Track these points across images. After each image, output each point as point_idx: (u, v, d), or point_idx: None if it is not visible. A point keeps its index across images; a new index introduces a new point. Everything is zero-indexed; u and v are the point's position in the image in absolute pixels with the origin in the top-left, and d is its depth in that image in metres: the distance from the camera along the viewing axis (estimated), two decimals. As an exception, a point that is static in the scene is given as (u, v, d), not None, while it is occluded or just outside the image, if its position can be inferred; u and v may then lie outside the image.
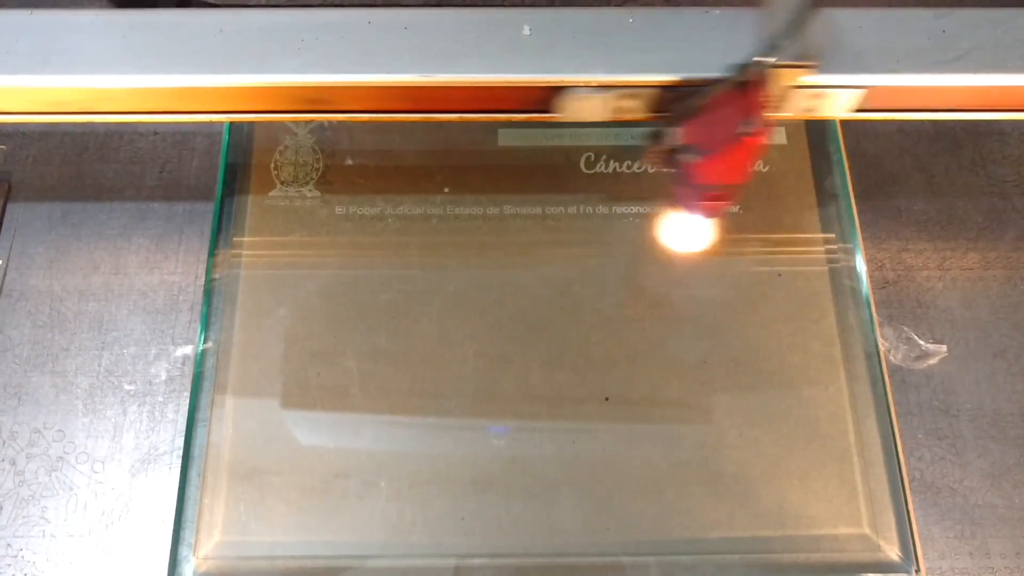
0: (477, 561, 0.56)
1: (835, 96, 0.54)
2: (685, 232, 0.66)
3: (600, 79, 0.52)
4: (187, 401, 0.60)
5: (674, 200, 0.62)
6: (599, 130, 0.69)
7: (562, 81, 0.52)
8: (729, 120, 0.50)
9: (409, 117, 0.56)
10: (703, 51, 0.52)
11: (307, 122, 0.68)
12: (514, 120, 0.56)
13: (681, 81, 0.52)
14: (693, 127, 0.52)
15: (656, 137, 0.54)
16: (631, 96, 0.53)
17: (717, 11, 0.54)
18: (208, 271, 0.64)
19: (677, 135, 0.53)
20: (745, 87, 0.51)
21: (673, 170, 0.56)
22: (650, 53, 0.52)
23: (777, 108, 0.54)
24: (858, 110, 0.55)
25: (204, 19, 0.54)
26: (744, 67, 0.50)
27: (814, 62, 0.51)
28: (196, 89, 0.53)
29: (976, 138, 0.73)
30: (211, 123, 0.55)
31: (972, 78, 0.52)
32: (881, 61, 0.53)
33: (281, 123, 0.67)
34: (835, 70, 0.52)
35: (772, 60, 0.50)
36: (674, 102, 0.52)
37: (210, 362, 0.61)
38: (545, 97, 0.54)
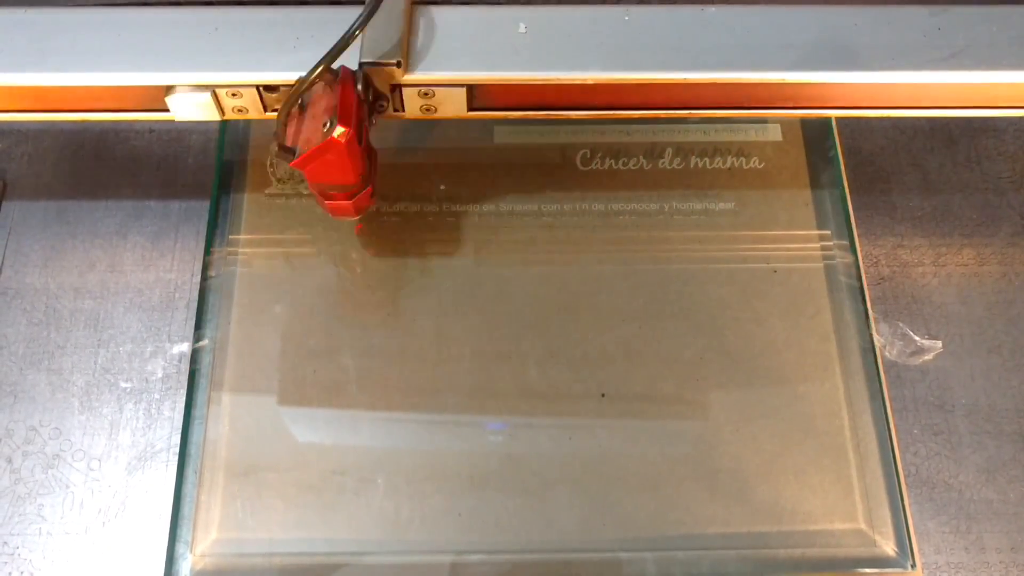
0: (474, 557, 0.56)
1: (444, 95, 0.54)
2: (680, 229, 0.66)
3: (198, 80, 0.53)
4: (183, 398, 0.60)
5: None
6: (595, 127, 0.69)
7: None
8: (318, 120, 0.50)
9: (403, 115, 0.56)
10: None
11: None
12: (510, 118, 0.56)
13: (280, 82, 0.53)
14: (296, 127, 0.52)
15: (275, 137, 0.53)
16: (235, 95, 0.54)
17: (713, 8, 0.54)
18: (204, 268, 0.64)
19: (281, 136, 0.52)
20: (334, 86, 0.50)
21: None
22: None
23: (392, 108, 0.55)
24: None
25: (199, 17, 0.54)
26: (324, 65, 0.49)
27: (397, 59, 0.51)
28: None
29: (971, 135, 0.73)
30: (207, 121, 0.55)
31: (967, 75, 0.53)
32: (875, 58, 0.53)
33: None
34: (434, 68, 0.53)
35: (359, 59, 0.51)
36: (284, 102, 0.51)
37: (206, 359, 0.61)
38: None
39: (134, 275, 0.67)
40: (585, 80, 0.53)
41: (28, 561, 0.58)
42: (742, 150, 0.68)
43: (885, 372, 0.62)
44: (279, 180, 0.67)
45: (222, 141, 0.68)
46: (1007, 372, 0.65)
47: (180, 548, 0.56)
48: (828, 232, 0.66)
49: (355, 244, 0.65)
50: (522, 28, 0.54)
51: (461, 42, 0.53)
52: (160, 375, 0.64)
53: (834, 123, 0.69)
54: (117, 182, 0.70)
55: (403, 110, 0.56)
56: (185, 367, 0.63)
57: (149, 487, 0.61)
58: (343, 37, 0.49)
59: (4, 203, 0.69)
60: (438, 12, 0.54)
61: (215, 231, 0.65)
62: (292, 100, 0.50)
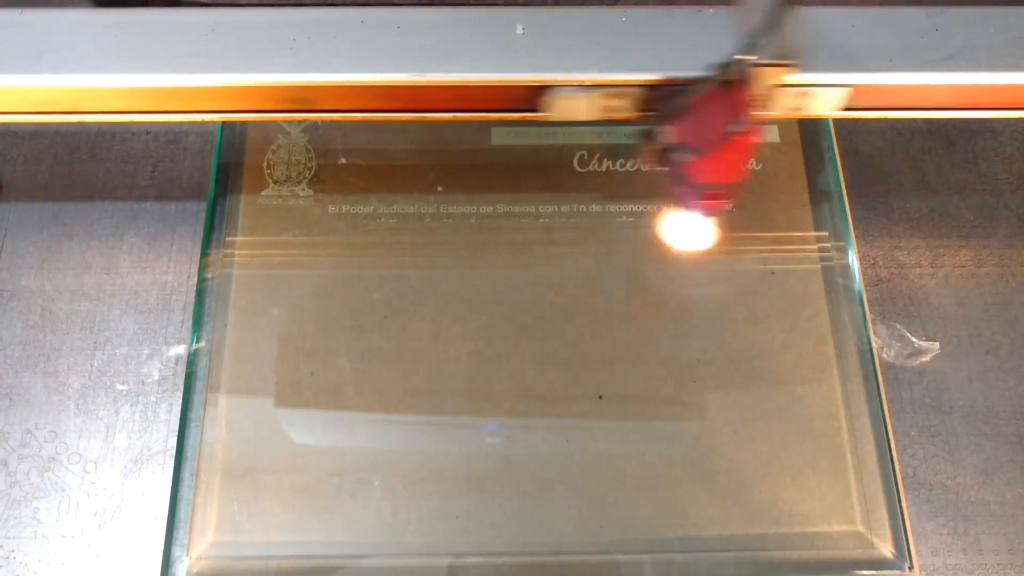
0: (471, 560, 0.56)
1: (821, 94, 0.54)
2: (678, 230, 0.66)
3: (589, 78, 0.52)
4: (180, 401, 0.60)
5: (672, 199, 0.62)
6: (592, 128, 0.69)
7: (552, 80, 0.52)
8: (717, 119, 0.50)
9: (402, 116, 0.56)
10: (696, 50, 0.52)
11: (300, 121, 0.68)
12: (505, 119, 0.56)
13: (665, 80, 0.52)
14: (682, 126, 0.52)
15: (648, 136, 0.54)
16: (617, 95, 0.53)
17: (711, 10, 0.54)
18: (201, 270, 0.63)
19: (668, 134, 0.53)
20: (730, 86, 0.51)
21: (668, 169, 0.57)
22: (641, 52, 0.52)
23: (764, 107, 0.54)
24: (847, 108, 0.55)
25: (196, 18, 0.54)
26: (725, 66, 0.50)
27: (795, 60, 0.51)
28: (188, 88, 0.53)
29: (968, 136, 0.73)
30: (203, 123, 0.55)
31: (964, 76, 0.53)
32: (873, 59, 0.53)
33: (274, 122, 0.67)
34: (819, 68, 0.52)
35: (753, 58, 0.50)
36: (661, 101, 0.52)
37: (203, 362, 0.61)
38: (534, 96, 0.54)
39: (130, 277, 0.67)
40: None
41: (24, 564, 0.58)
42: (739, 152, 0.68)
43: (883, 374, 0.62)
44: (276, 182, 0.67)
45: (219, 143, 0.67)
46: (1004, 373, 0.65)
47: (176, 551, 0.56)
48: (826, 234, 0.65)
49: (352, 246, 0.65)
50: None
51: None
52: (156, 377, 0.64)
53: (831, 124, 0.69)
54: (113, 184, 0.70)
55: (773, 109, 0.55)
56: (182, 369, 0.63)
57: (145, 490, 0.60)
58: (748, 41, 0.49)
59: (0, 205, 0.69)
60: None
61: (212, 233, 0.65)
62: (687, 98, 0.51)
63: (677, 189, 0.57)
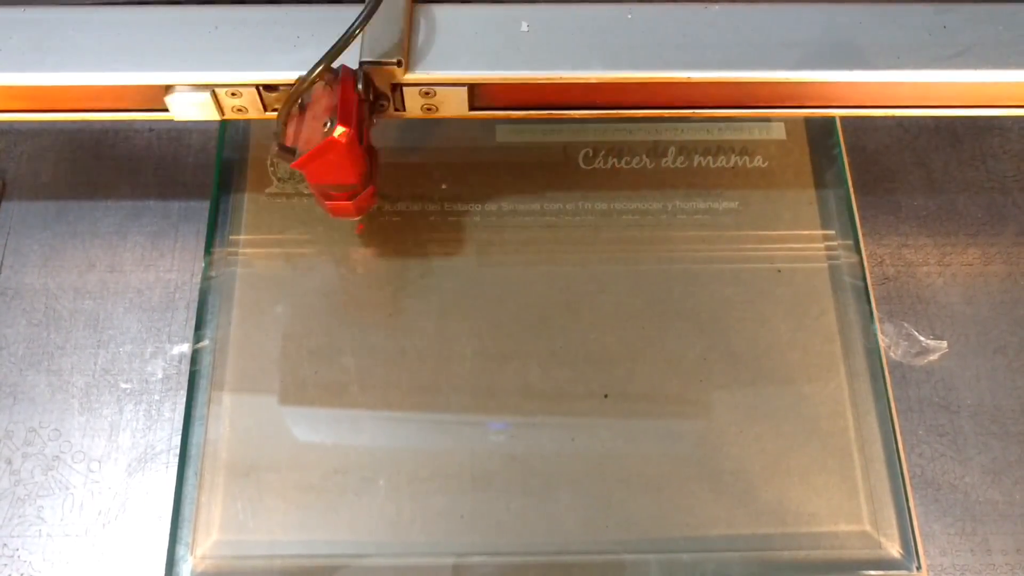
0: (476, 559, 0.56)
1: (447, 94, 0.53)
2: (684, 228, 0.65)
3: (198, 80, 0.53)
4: (184, 399, 0.60)
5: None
6: (598, 126, 0.69)
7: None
8: (319, 120, 0.50)
9: (406, 114, 0.56)
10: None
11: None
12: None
13: (280, 81, 0.52)
14: (296, 128, 0.52)
15: (275, 137, 0.53)
16: (234, 95, 0.53)
17: (716, 7, 0.54)
18: (204, 268, 0.63)
19: (281, 136, 0.52)
20: (334, 85, 0.50)
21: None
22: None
23: (393, 107, 0.54)
24: (475, 108, 0.55)
25: (200, 15, 0.54)
26: (324, 64, 0.49)
27: (398, 58, 0.51)
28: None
29: (976, 133, 0.72)
30: (207, 120, 0.55)
31: (973, 74, 0.52)
32: (880, 56, 0.53)
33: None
34: (441, 67, 0.52)
35: (359, 58, 0.50)
36: (282, 102, 0.51)
37: (207, 360, 0.61)
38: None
39: (134, 275, 0.66)
40: (587, 79, 0.53)
41: (28, 563, 0.58)
42: (746, 149, 0.68)
43: (890, 372, 0.61)
44: (280, 179, 0.66)
45: (222, 140, 0.67)
46: (1013, 372, 0.64)
47: (180, 550, 0.56)
48: (832, 232, 0.65)
49: (356, 244, 0.65)
50: (524, 27, 0.53)
51: (462, 41, 0.53)
52: (160, 376, 0.63)
53: (838, 122, 0.69)
54: (117, 182, 0.70)
55: (404, 109, 0.55)
56: (185, 368, 0.63)
57: (149, 489, 0.60)
58: (343, 36, 0.49)
59: (3, 203, 0.69)
60: (439, 10, 0.54)
61: (215, 231, 0.65)
62: (292, 100, 0.50)
63: (312, 190, 0.57)
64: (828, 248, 0.65)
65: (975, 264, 0.68)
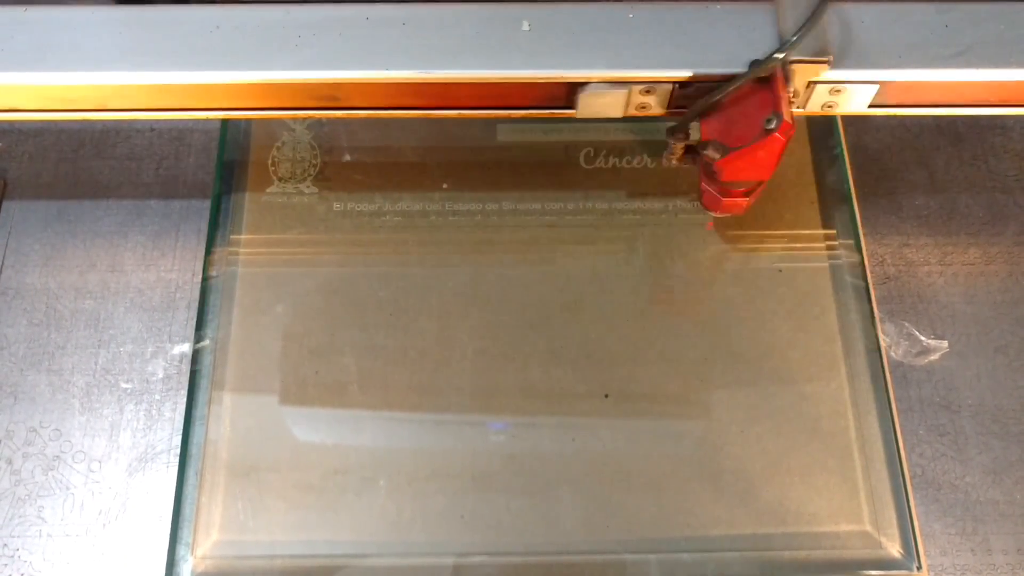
0: (477, 559, 0.56)
1: (853, 92, 0.53)
2: (685, 228, 0.65)
3: (613, 75, 0.52)
4: (184, 399, 0.60)
5: (697, 196, 0.61)
6: (599, 125, 0.68)
7: (571, 77, 0.52)
8: (751, 116, 0.50)
9: (409, 114, 0.56)
10: (708, 47, 0.52)
11: (305, 118, 0.67)
12: (523, 116, 0.56)
13: (695, 77, 0.52)
14: (714, 123, 0.52)
15: (676, 133, 0.53)
16: (647, 92, 0.53)
17: (718, 6, 0.54)
18: (205, 268, 0.63)
19: (697, 131, 0.52)
20: (764, 83, 0.50)
21: (694, 167, 0.56)
22: (656, 49, 0.52)
23: (797, 104, 0.54)
24: (871, 106, 0.55)
25: (201, 15, 0.54)
26: (761, 63, 0.50)
27: (828, 57, 0.51)
28: (193, 86, 0.53)
29: (978, 132, 0.72)
30: (208, 120, 0.55)
31: (975, 73, 0.52)
32: (882, 56, 0.53)
33: (278, 119, 0.67)
34: (851, 65, 0.52)
35: (789, 55, 0.50)
36: (692, 98, 0.51)
37: (207, 360, 0.61)
38: (555, 93, 0.54)
39: (135, 275, 0.66)
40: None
41: (28, 563, 0.58)
42: (747, 148, 0.68)
43: (891, 372, 0.61)
44: (280, 179, 0.66)
45: (223, 140, 0.67)
46: (1013, 372, 0.64)
47: (181, 550, 0.56)
48: (833, 231, 0.65)
49: (357, 244, 0.65)
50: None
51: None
52: (161, 376, 0.63)
53: (839, 121, 0.69)
54: (118, 181, 0.70)
55: (804, 108, 0.55)
56: (186, 367, 0.63)
57: (150, 488, 0.60)
58: (786, 40, 0.50)
59: (4, 202, 0.69)
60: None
61: (216, 231, 0.65)
62: (720, 95, 0.51)
63: (705, 187, 0.57)
64: (829, 247, 0.65)
65: (976, 263, 0.68)
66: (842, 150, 0.68)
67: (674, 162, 0.58)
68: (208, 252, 0.64)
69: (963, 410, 0.63)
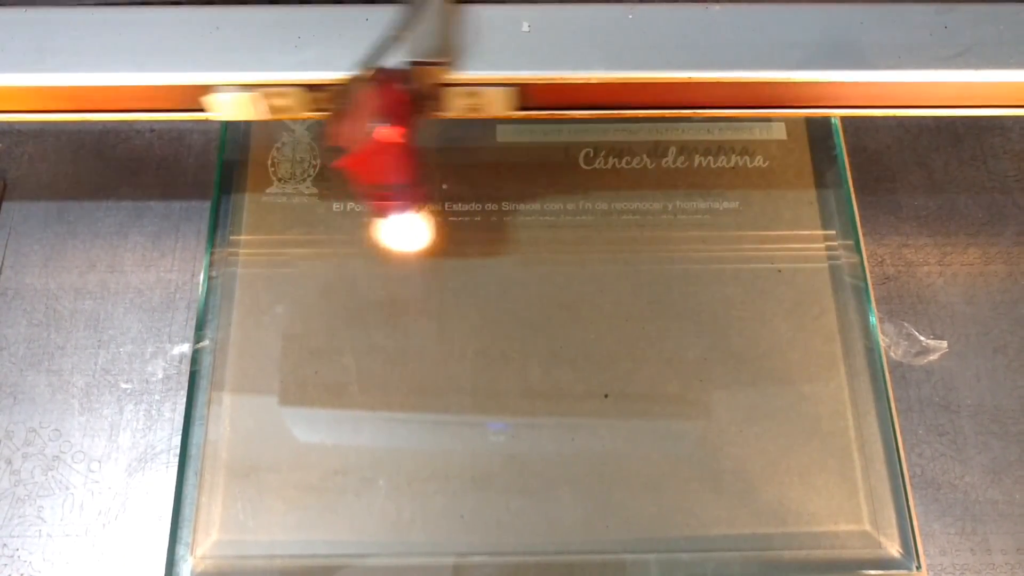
0: (476, 559, 0.56)
1: (491, 94, 0.53)
2: (683, 229, 0.65)
3: (241, 80, 0.52)
4: (184, 399, 0.60)
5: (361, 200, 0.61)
6: (599, 126, 0.68)
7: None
8: (364, 119, 0.50)
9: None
10: (706, 46, 0.52)
11: (304, 119, 0.67)
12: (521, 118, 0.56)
13: (327, 81, 0.52)
14: (336, 127, 0.52)
15: (321, 137, 0.53)
16: (280, 95, 0.53)
17: (717, 7, 0.54)
18: (205, 269, 0.63)
19: (329, 136, 0.52)
20: (381, 85, 0.50)
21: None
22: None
23: (438, 108, 0.54)
24: (522, 108, 0.55)
25: (200, 16, 0.54)
26: (368, 65, 0.49)
27: (447, 59, 0.50)
28: (193, 86, 0.53)
29: (977, 133, 0.72)
30: (208, 120, 0.55)
31: (974, 74, 0.52)
32: (881, 57, 0.53)
33: (278, 120, 0.67)
34: (485, 67, 0.52)
35: (405, 57, 0.50)
36: (329, 101, 0.51)
37: (207, 360, 0.61)
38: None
39: (135, 275, 0.66)
40: (588, 79, 0.53)
41: (28, 563, 0.58)
42: (746, 149, 0.68)
43: (890, 372, 0.61)
44: (280, 180, 0.66)
45: (223, 141, 0.67)
46: (1013, 372, 0.64)
47: (180, 550, 0.56)
48: (833, 231, 0.65)
49: (356, 244, 0.65)
50: (525, 27, 0.53)
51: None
52: (161, 376, 0.63)
53: (838, 122, 0.69)
54: (118, 182, 0.70)
55: (446, 110, 0.55)
56: (186, 368, 0.63)
57: (149, 489, 0.60)
58: (389, 35, 0.49)
59: (4, 203, 0.69)
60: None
61: (216, 231, 0.65)
62: (341, 98, 0.50)
63: (354, 189, 0.57)
64: (828, 248, 0.65)
65: (975, 264, 0.68)
66: (841, 150, 0.68)
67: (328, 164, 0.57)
68: (208, 253, 0.64)
69: (962, 410, 0.63)
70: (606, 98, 0.55)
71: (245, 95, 0.52)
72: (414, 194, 0.57)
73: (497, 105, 0.55)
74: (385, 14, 0.51)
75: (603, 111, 0.56)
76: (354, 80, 0.49)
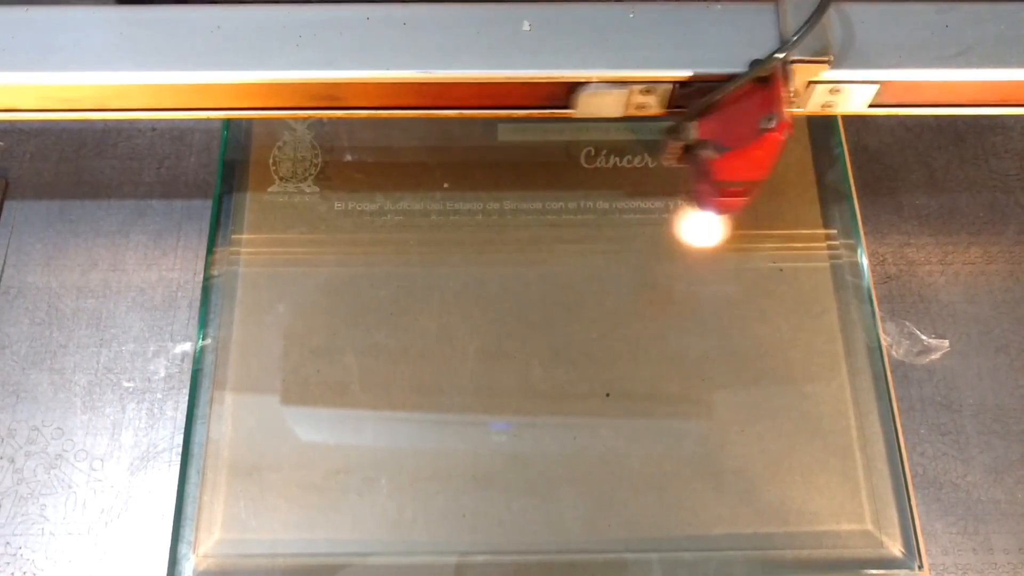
0: (479, 558, 0.56)
1: (852, 91, 0.53)
2: (686, 227, 0.65)
3: (613, 75, 0.52)
4: (186, 398, 0.60)
5: (692, 196, 0.61)
6: (599, 125, 0.68)
7: (572, 77, 0.52)
8: (749, 116, 0.50)
9: (410, 113, 0.56)
10: (709, 46, 0.52)
11: (306, 118, 0.67)
12: (523, 116, 0.56)
13: (695, 76, 0.52)
14: (712, 123, 0.52)
15: (675, 133, 0.53)
16: (647, 92, 0.53)
17: (718, 6, 0.54)
18: (207, 267, 0.63)
19: (695, 131, 0.52)
20: (764, 82, 0.50)
21: (691, 166, 0.56)
22: (657, 49, 0.52)
23: (796, 104, 0.54)
24: (871, 105, 0.55)
25: (201, 15, 0.54)
26: (762, 62, 0.50)
27: (828, 57, 0.51)
28: (194, 85, 0.53)
29: (978, 132, 0.72)
30: (209, 119, 0.55)
31: (975, 73, 0.52)
32: (883, 56, 0.53)
33: (279, 119, 0.67)
34: (852, 65, 0.52)
35: (790, 55, 0.50)
36: (691, 98, 0.51)
37: (209, 359, 0.61)
38: (555, 93, 0.54)
39: (136, 274, 0.67)
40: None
41: (31, 562, 0.58)
42: (748, 148, 0.68)
43: (892, 371, 0.61)
44: (282, 179, 0.66)
45: (225, 140, 0.67)
46: (1015, 371, 0.64)
47: (183, 549, 0.56)
48: (834, 230, 0.65)
49: (358, 243, 0.65)
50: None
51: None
52: (163, 375, 0.64)
53: (840, 120, 0.69)
54: (119, 181, 0.70)
55: (804, 107, 0.55)
56: (188, 366, 0.63)
57: (152, 487, 0.60)
58: (790, 39, 0.50)
59: (6, 202, 0.69)
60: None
61: (218, 230, 0.65)
62: (719, 95, 0.51)
63: (699, 186, 0.57)
64: (830, 247, 0.65)
65: (977, 263, 0.68)
66: (843, 149, 0.68)
67: (672, 162, 0.58)
68: (209, 251, 0.64)
69: (964, 409, 0.63)
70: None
71: (616, 91, 0.52)
72: (757, 190, 0.58)
73: (854, 103, 0.55)
74: (386, 12, 0.51)
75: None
76: (734, 77, 0.50)
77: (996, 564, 0.59)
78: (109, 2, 0.61)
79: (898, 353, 0.64)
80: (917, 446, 0.62)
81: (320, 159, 0.67)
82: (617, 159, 0.68)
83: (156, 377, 0.64)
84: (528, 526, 0.57)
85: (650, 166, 0.68)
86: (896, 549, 0.56)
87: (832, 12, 0.52)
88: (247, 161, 0.67)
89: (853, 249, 0.64)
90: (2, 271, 0.67)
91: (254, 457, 0.58)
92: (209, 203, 0.67)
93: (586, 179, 0.67)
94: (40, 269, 0.67)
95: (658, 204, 0.66)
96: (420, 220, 0.65)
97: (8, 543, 0.59)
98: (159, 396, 0.63)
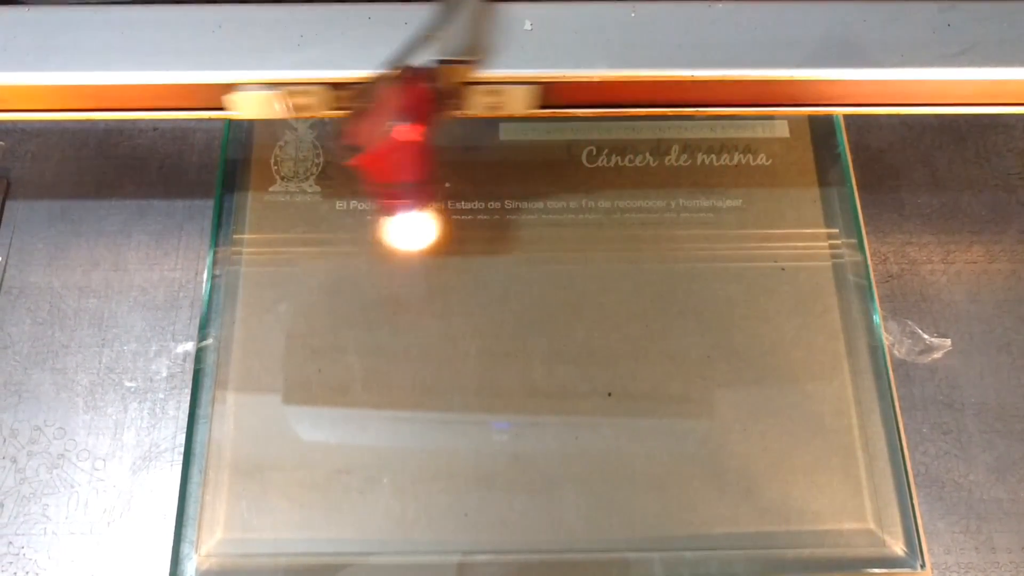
0: (481, 557, 0.56)
1: (513, 92, 0.53)
2: (687, 226, 0.65)
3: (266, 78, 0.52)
4: (188, 398, 0.60)
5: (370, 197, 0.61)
6: (602, 124, 0.68)
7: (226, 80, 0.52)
8: (383, 118, 0.50)
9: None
10: (705, 45, 0.52)
11: (307, 118, 0.67)
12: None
13: (351, 79, 0.52)
14: (354, 125, 0.51)
15: (338, 134, 0.53)
16: (303, 94, 0.53)
17: (720, 5, 0.54)
18: (209, 267, 0.63)
19: (346, 132, 0.52)
20: (405, 84, 0.50)
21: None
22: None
23: (455, 105, 0.53)
24: (543, 106, 0.54)
25: (203, 15, 0.54)
26: (398, 63, 0.49)
27: (476, 57, 0.50)
28: (195, 85, 0.53)
29: (980, 131, 0.72)
30: (210, 119, 0.55)
31: (977, 72, 0.52)
32: (884, 55, 0.53)
33: (281, 119, 0.67)
34: (510, 65, 0.52)
35: (433, 56, 0.50)
36: (350, 99, 0.51)
37: (211, 359, 0.61)
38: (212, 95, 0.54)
39: (138, 274, 0.67)
40: (590, 77, 0.53)
41: (33, 561, 0.58)
42: (749, 147, 0.68)
43: (894, 370, 0.61)
44: (283, 178, 0.66)
45: (226, 139, 0.67)
46: (1017, 370, 0.64)
47: (185, 548, 0.56)
48: (836, 230, 0.65)
49: (359, 242, 0.65)
50: (528, 25, 0.53)
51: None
52: (165, 374, 0.64)
53: (841, 120, 0.69)
54: (121, 181, 0.70)
55: (467, 108, 0.55)
56: (190, 366, 0.63)
57: (154, 487, 0.60)
58: (421, 34, 0.49)
59: (8, 202, 0.69)
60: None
61: (219, 230, 0.65)
62: (364, 96, 0.50)
63: (366, 187, 0.57)
64: (832, 246, 0.65)
65: (979, 262, 0.68)
66: (844, 149, 0.68)
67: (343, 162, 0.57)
68: (211, 251, 0.64)
69: (966, 408, 0.63)
70: (617, 97, 0.55)
71: (268, 93, 0.52)
72: (423, 193, 0.57)
73: (518, 103, 0.54)
74: (388, 12, 0.51)
75: (609, 109, 0.56)
76: (380, 78, 0.49)
77: (999, 563, 0.59)
78: (110, 2, 0.61)
79: (900, 352, 0.64)
80: (919, 445, 0.62)
81: (321, 159, 0.67)
82: (619, 158, 0.68)
83: (158, 377, 0.64)
84: (530, 525, 0.57)
85: (652, 165, 0.68)
86: (898, 548, 0.56)
87: (500, 14, 0.53)
88: (249, 161, 0.67)
89: (855, 248, 0.64)
90: (4, 271, 0.67)
91: (256, 456, 0.58)
92: (211, 203, 0.67)
93: (588, 178, 0.67)
94: (42, 269, 0.67)
95: (660, 203, 0.66)
96: (422, 219, 0.65)
97: (11, 543, 0.59)
98: (161, 396, 0.63)
